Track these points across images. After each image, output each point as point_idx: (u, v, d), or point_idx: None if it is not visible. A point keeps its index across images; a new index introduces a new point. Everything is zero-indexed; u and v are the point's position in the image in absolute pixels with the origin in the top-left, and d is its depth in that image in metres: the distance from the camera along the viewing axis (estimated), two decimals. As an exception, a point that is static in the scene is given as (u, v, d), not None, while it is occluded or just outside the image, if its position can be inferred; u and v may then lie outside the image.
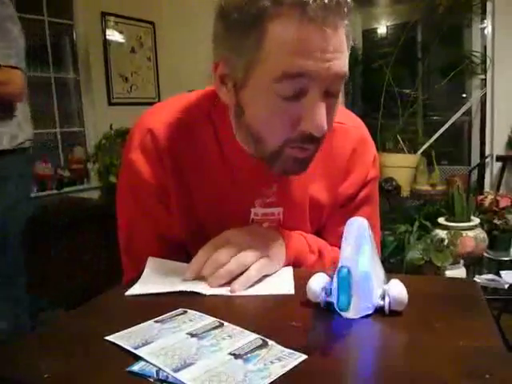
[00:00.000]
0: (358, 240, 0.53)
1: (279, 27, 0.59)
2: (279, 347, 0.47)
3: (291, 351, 0.46)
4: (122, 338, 0.49)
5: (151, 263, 0.72)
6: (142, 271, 0.71)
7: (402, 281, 0.56)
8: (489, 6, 2.69)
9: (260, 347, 0.47)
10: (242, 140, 0.74)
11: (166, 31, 3.86)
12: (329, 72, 0.61)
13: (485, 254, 1.92)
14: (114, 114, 3.45)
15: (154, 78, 3.89)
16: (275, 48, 0.60)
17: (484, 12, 2.74)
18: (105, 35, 3.50)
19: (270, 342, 0.48)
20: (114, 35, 3.57)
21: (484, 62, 2.76)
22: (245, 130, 0.70)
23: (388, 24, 3.37)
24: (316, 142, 0.67)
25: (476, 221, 1.89)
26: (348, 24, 0.62)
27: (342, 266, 0.50)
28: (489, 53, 2.71)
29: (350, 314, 0.53)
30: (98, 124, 3.45)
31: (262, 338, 0.49)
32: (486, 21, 2.75)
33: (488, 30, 2.72)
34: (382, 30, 3.43)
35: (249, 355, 0.45)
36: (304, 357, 0.45)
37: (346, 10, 0.60)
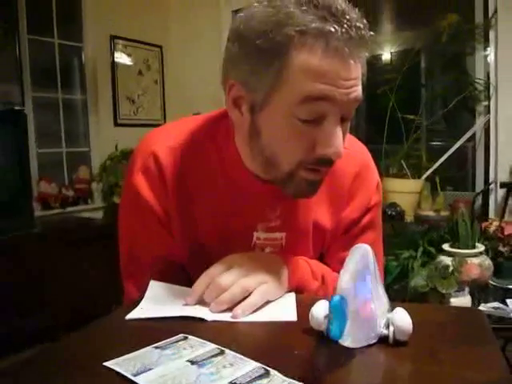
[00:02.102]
0: (359, 267, 0.52)
1: (304, 55, 0.61)
2: (281, 377, 0.46)
3: (293, 381, 0.45)
4: (120, 365, 0.49)
5: (153, 287, 0.71)
6: (143, 294, 0.70)
7: (406, 309, 0.55)
8: (491, 34, 2.72)
9: (261, 376, 0.46)
10: (251, 162, 0.74)
11: (173, 55, 3.92)
12: (349, 98, 0.63)
13: (490, 282, 1.89)
14: (119, 135, 3.48)
15: (160, 101, 3.94)
16: (299, 74, 0.61)
17: (487, 40, 2.78)
18: (113, 58, 3.56)
19: (272, 371, 0.47)
20: (122, 58, 3.63)
21: (487, 88, 2.78)
22: (258, 152, 0.70)
23: (392, 50, 3.42)
24: (330, 165, 0.68)
25: (481, 247, 1.87)
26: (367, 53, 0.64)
27: (335, 294, 0.50)
28: (492, 80, 2.73)
29: (348, 342, 0.52)
30: (104, 144, 3.48)
31: (264, 366, 0.48)
32: (488, 48, 2.79)
33: (491, 58, 2.75)
34: (386, 56, 3.47)
35: (250, 385, 0.44)
36: (306, 387, 0.44)
37: (369, 42, 0.62)
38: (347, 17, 0.60)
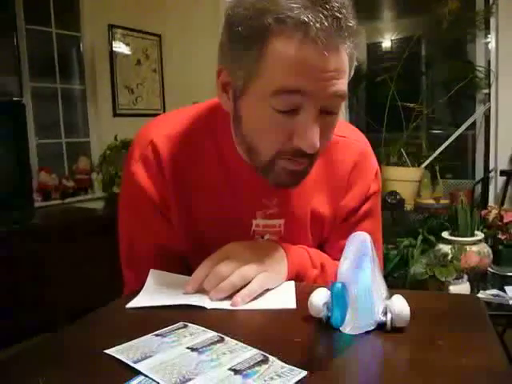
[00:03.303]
0: (358, 255, 0.53)
1: (280, 45, 0.60)
2: (280, 363, 0.46)
3: (292, 367, 0.45)
4: (121, 352, 0.49)
5: (153, 276, 0.72)
6: (143, 283, 0.70)
7: (404, 296, 0.56)
8: (492, 21, 2.70)
9: (260, 363, 0.46)
10: (239, 149, 0.75)
11: (171, 44, 3.90)
12: (325, 91, 0.61)
13: (489, 269, 1.90)
14: (118, 125, 3.48)
15: (159, 90, 3.93)
16: (274, 64, 0.61)
17: (487, 27, 2.76)
18: (111, 47, 3.54)
19: (271, 358, 0.47)
20: (120, 47, 3.61)
21: (488, 76, 2.77)
22: (241, 139, 0.71)
23: (392, 38, 3.39)
24: (309, 157, 0.67)
25: (480, 235, 1.88)
26: (351, 46, 0.62)
27: (336, 281, 0.50)
28: (493, 67, 2.72)
29: (349, 329, 0.52)
30: (103, 135, 3.48)
31: (263, 353, 0.48)
32: (489, 36, 2.77)
33: (492, 45, 2.74)
34: (386, 43, 3.45)
35: (248, 371, 0.45)
36: (304, 373, 0.44)
37: (347, 33, 0.60)
38: (327, 6, 0.58)
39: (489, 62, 2.79)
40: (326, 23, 0.58)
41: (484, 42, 2.88)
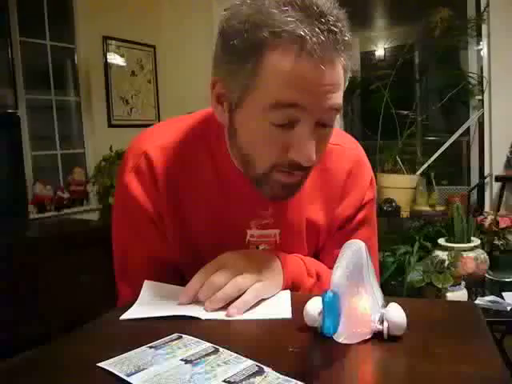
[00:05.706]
0: (352, 263, 0.52)
1: (276, 58, 0.60)
2: (275, 374, 0.46)
3: (287, 378, 0.45)
4: (114, 365, 0.48)
5: (147, 287, 0.71)
6: (137, 295, 0.70)
7: (401, 304, 0.55)
8: (484, 28, 2.73)
9: (255, 374, 0.46)
10: (235, 161, 0.74)
11: (166, 54, 3.91)
12: (321, 105, 0.62)
13: (486, 275, 1.90)
14: (114, 136, 3.47)
15: (154, 101, 3.93)
16: (270, 77, 0.60)
17: (479, 34, 2.78)
18: (106, 58, 3.55)
19: (266, 369, 0.47)
20: (114, 58, 3.62)
21: (481, 82, 2.79)
22: (236, 151, 0.71)
23: (385, 46, 3.42)
24: (304, 170, 0.67)
25: (476, 241, 1.88)
26: (346, 58, 0.62)
27: (327, 290, 0.50)
28: (485, 74, 2.74)
29: (343, 338, 0.52)
30: (98, 146, 3.47)
31: (258, 364, 0.48)
32: (481, 43, 2.79)
33: (484, 52, 2.76)
34: (379, 52, 3.47)
35: (243, 383, 0.44)
36: (300, 384, 0.44)
37: (343, 47, 0.60)
38: (323, 20, 0.58)
39: (481, 69, 2.81)
40: (321, 37, 0.58)
41: (476, 48, 2.91)
